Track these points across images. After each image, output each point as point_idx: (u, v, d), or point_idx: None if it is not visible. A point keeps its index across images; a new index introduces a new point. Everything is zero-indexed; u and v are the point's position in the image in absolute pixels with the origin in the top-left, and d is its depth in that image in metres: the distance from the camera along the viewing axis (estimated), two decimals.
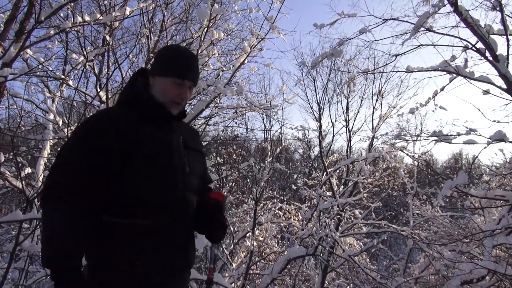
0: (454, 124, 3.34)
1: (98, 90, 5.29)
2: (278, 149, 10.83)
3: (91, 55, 5.38)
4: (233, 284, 8.95)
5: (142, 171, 1.50)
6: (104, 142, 1.46)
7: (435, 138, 3.67)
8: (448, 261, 6.29)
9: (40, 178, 5.87)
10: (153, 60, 1.76)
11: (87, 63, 4.84)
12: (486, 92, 4.20)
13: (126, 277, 1.45)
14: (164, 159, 1.55)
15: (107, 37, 4.41)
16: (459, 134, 3.45)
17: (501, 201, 3.66)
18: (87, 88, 7.93)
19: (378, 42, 4.05)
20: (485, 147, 3.19)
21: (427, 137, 3.79)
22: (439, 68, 4.24)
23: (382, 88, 9.29)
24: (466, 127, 3.36)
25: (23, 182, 4.66)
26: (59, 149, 1.74)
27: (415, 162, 9.75)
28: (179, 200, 1.57)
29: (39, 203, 1.50)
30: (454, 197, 8.96)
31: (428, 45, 3.92)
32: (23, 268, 4.00)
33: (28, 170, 6.39)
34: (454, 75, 4.18)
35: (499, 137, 3.38)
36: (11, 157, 5.95)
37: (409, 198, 9.67)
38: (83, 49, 5.20)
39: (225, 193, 10.57)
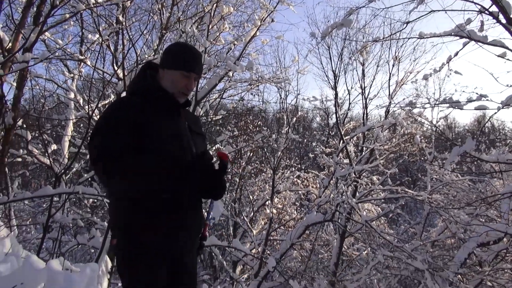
0: (463, 91, 3.34)
1: (115, 68, 5.44)
2: (294, 119, 10.88)
3: (106, 33, 5.50)
4: (253, 249, 9.32)
5: (157, 150, 1.70)
6: (124, 121, 1.69)
7: (446, 104, 3.69)
8: (464, 225, 6.35)
9: (66, 155, 6.17)
10: (162, 54, 1.93)
11: (103, 42, 4.97)
12: (502, 55, 4.15)
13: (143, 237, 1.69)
14: (175, 142, 1.76)
15: (120, 17, 4.50)
16: (470, 100, 3.46)
17: None
18: (104, 65, 8.10)
19: (389, 9, 4.00)
20: (495, 113, 3.21)
21: (438, 104, 3.81)
22: (452, 34, 4.19)
23: (398, 53, 9.10)
24: (477, 93, 3.37)
25: (51, 159, 4.93)
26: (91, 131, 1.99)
27: (432, 128, 9.66)
28: (191, 174, 1.78)
29: (93, 169, 1.70)
30: (468, 162, 8.91)
31: (439, 10, 3.85)
32: (56, 238, 4.32)
33: (54, 147, 6.70)
34: (467, 40, 4.12)
35: (511, 102, 3.38)
36: (37, 135, 6.25)
37: (427, 163, 9.66)
38: (98, 28, 5.32)
39: (243, 164, 10.79)
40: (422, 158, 12.40)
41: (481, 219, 8.38)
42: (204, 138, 2.04)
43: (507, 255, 8.00)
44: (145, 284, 1.68)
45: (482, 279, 7.61)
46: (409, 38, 4.36)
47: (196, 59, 1.88)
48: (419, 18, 3.81)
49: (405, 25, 3.92)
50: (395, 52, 9.19)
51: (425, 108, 5.15)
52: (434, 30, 4.83)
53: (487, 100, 3.51)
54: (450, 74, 5.01)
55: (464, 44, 4.35)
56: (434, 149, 9.90)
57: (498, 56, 4.13)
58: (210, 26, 3.86)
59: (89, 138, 1.86)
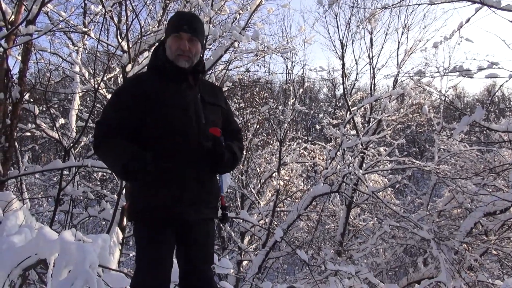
0: (474, 59, 3.26)
1: (119, 40, 5.37)
2: (301, 90, 10.78)
3: (109, 4, 5.40)
4: (261, 220, 9.47)
5: (161, 119, 1.77)
6: (126, 97, 1.81)
7: (457, 73, 3.61)
8: (472, 194, 6.36)
9: (74, 128, 6.21)
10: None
11: (106, 13, 4.89)
12: None
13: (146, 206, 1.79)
14: (179, 111, 1.80)
15: None
16: (480, 69, 3.38)
17: None
18: (108, 38, 8.01)
19: None
20: (507, 81, 3.14)
21: (447, 72, 3.73)
22: None
23: (407, 21, 8.87)
24: (488, 61, 3.29)
25: (59, 133, 4.97)
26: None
27: (441, 97, 9.52)
28: (195, 146, 1.80)
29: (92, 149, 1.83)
30: (477, 131, 8.82)
31: None
32: (68, 211, 4.41)
33: (61, 121, 6.74)
34: (480, 5, 3.99)
35: None
36: (45, 109, 6.27)
37: (435, 133, 9.59)
38: None
39: (249, 136, 10.79)
40: (430, 129, 12.32)
41: (488, 189, 8.39)
42: (222, 109, 2.03)
43: None
44: (148, 248, 1.78)
45: (487, 248, 7.70)
46: (419, 5, 4.23)
47: (184, 18, 1.89)
48: None
49: None
50: (404, 20, 8.97)
51: (435, 77, 5.06)
52: None
53: (498, 68, 3.43)
54: (461, 41, 4.89)
55: (476, 10, 4.21)
56: (442, 119, 9.82)
57: (511, 21, 4.01)
58: None
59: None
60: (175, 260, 1.92)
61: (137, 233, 1.83)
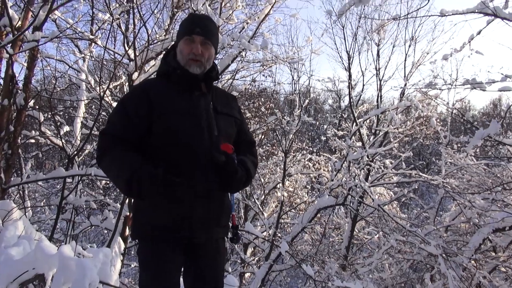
0: (489, 71, 3.18)
1: (126, 48, 5.35)
2: (307, 101, 10.72)
3: (117, 12, 5.39)
4: (264, 232, 9.33)
5: (170, 130, 1.65)
6: (132, 105, 1.69)
7: (469, 86, 3.54)
8: (480, 210, 6.22)
9: (78, 136, 6.16)
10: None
11: (114, 21, 4.87)
12: None
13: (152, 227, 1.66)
14: (189, 120, 1.67)
15: None
16: (493, 81, 3.31)
17: None
18: (115, 46, 8.01)
19: None
20: None
21: (460, 85, 3.65)
22: (476, 10, 3.99)
23: (415, 33, 8.83)
24: (502, 74, 3.21)
25: (63, 140, 4.92)
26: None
27: (449, 110, 9.44)
28: (207, 159, 1.67)
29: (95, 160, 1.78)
30: (488, 146, 8.70)
31: None
32: (70, 219, 4.34)
33: (66, 128, 6.70)
34: (492, 17, 3.93)
35: None
36: (49, 116, 6.24)
37: (442, 146, 9.48)
38: (109, 6, 5.22)
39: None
40: (436, 142, 12.19)
41: (497, 204, 8.25)
42: (237, 120, 1.88)
43: None
44: (154, 269, 1.65)
45: (496, 265, 7.52)
46: (429, 16, 4.17)
47: (198, 20, 1.78)
48: None
49: (427, 0, 3.74)
50: (412, 32, 8.93)
51: (445, 89, 4.97)
52: (452, 8, 4.61)
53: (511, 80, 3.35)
54: (471, 54, 4.82)
55: (488, 22, 4.15)
56: (449, 132, 9.71)
57: None
58: (223, 4, 3.73)
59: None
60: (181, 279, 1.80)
61: (141, 252, 1.71)
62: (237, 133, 1.87)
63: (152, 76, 5.07)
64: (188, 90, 1.73)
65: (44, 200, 9.04)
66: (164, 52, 1.94)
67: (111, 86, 6.20)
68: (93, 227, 5.47)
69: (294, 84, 9.82)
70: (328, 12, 3.69)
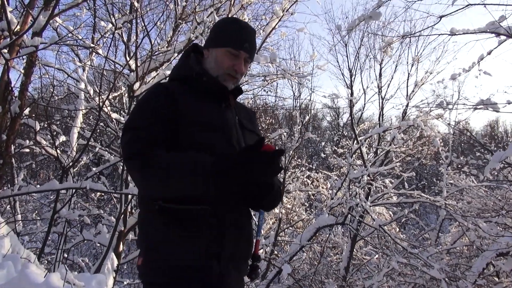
0: (505, 92, 3.07)
1: (127, 58, 5.23)
2: (307, 117, 10.63)
3: (119, 22, 5.29)
4: (261, 250, 9.10)
5: (200, 146, 1.36)
6: (161, 102, 1.41)
7: (482, 106, 3.43)
8: (486, 233, 6.06)
9: (74, 147, 5.99)
10: (208, 34, 1.63)
11: (116, 31, 4.77)
12: None
13: (177, 268, 1.31)
14: (220, 136, 1.42)
15: (135, 3, 4.29)
16: (509, 102, 3.19)
17: None
18: (116, 56, 7.92)
19: (421, 2, 3.74)
20: None
21: (474, 105, 3.54)
22: (487, 30, 3.90)
23: (418, 53, 8.80)
24: None
25: (58, 151, 4.75)
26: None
27: (452, 130, 9.36)
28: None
29: (122, 166, 1.46)
30: (494, 168, 8.56)
31: (477, 4, 3.58)
32: (62, 233, 4.14)
33: (62, 138, 6.53)
34: (504, 37, 3.84)
35: None
36: (46, 126, 6.07)
37: (443, 167, 9.37)
38: (111, 16, 5.12)
39: None
40: (435, 162, 12.09)
41: (499, 228, 8.11)
42: (256, 136, 1.62)
43: None
44: None
45: None
46: (440, 35, 4.09)
47: (248, 35, 1.52)
48: (455, 11, 3.54)
49: (439, 19, 3.65)
50: (415, 52, 8.90)
51: (456, 109, 4.86)
52: (460, 30, 4.55)
53: None
54: (479, 74, 4.73)
55: (500, 42, 4.07)
56: (451, 153, 9.61)
57: None
58: (229, 15, 3.64)
59: (121, 132, 1.59)
60: None
61: None
62: None
63: None
64: (214, 101, 1.48)
65: (36, 212, 8.79)
66: (184, 51, 1.62)
67: (110, 97, 6.07)
68: (85, 241, 5.26)
69: (296, 99, 9.73)
70: (337, 27, 3.59)
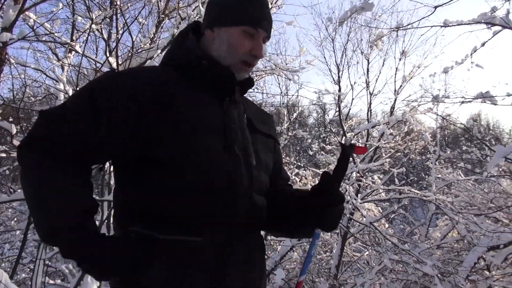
0: (507, 83, 2.95)
1: (108, 55, 4.98)
2: (295, 114, 10.49)
3: (99, 18, 5.04)
4: None
5: (186, 160, 1.03)
6: (117, 102, 1.01)
7: (480, 99, 3.32)
8: (480, 229, 6.02)
9: None
10: (207, 8, 1.22)
11: (94, 27, 4.51)
12: None
13: None
14: (220, 141, 1.08)
15: None
16: (509, 95, 3.09)
17: None
18: (96, 54, 7.62)
19: None
20: None
21: (472, 98, 3.43)
22: (482, 21, 3.79)
23: (405, 47, 8.75)
24: None
25: None
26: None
27: (438, 124, 9.36)
28: (244, 206, 1.08)
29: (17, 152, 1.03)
30: (481, 161, 8.59)
31: None
32: (40, 243, 3.88)
33: None
34: (500, 28, 3.74)
35: None
36: (23, 128, 5.77)
37: (431, 161, 9.36)
38: (90, 12, 4.86)
39: None
40: (422, 157, 12.12)
41: (488, 221, 8.13)
42: (275, 144, 1.30)
43: None
44: None
45: (490, 284, 7.32)
46: (432, 26, 3.97)
47: (263, 5, 1.16)
48: (450, 1, 3.41)
49: (434, 9, 3.52)
50: (402, 46, 8.85)
51: (456, 103, 4.78)
52: (454, 21, 4.49)
53: None
54: (472, 67, 4.64)
55: (495, 33, 3.98)
56: (439, 147, 9.61)
57: None
58: None
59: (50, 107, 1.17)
60: None
61: None
62: (273, 163, 1.28)
63: None
64: (217, 95, 1.12)
65: (15, 219, 8.45)
66: (180, 32, 1.24)
67: None
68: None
69: (283, 96, 9.58)
70: (328, 19, 3.44)
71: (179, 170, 1.02)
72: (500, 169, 8.10)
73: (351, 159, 8.89)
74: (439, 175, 9.90)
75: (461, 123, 6.76)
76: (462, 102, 4.53)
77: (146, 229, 1.01)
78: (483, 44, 4.23)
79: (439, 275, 6.49)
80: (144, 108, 1.01)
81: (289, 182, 1.40)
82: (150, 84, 1.05)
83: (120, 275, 0.98)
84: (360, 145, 1.10)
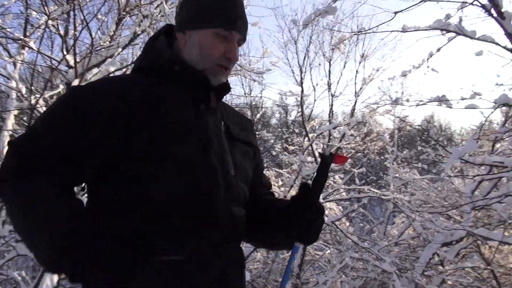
0: (461, 88, 3.10)
1: (65, 53, 4.77)
2: (258, 115, 10.54)
3: (55, 14, 4.81)
4: None
5: (162, 173, 0.98)
6: (95, 117, 0.97)
7: (437, 102, 3.47)
8: (436, 226, 6.31)
9: (5, 151, 5.40)
10: (178, 10, 1.18)
11: (51, 23, 4.31)
12: (479, 54, 4.01)
13: None
14: (198, 155, 1.03)
15: None
16: (463, 98, 3.26)
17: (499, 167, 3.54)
18: (52, 51, 7.29)
19: None
20: (492, 112, 3.02)
21: (430, 101, 3.58)
22: (438, 27, 3.97)
23: (365, 51, 9.03)
24: (473, 91, 3.17)
25: None
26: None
27: (396, 125, 9.72)
28: (223, 218, 1.04)
29: None
30: (436, 161, 9.01)
31: (431, 0, 3.62)
32: None
33: None
34: (454, 34, 3.93)
35: (505, 101, 3.20)
36: None
37: (389, 162, 9.70)
38: (45, 6, 4.64)
39: None
40: (380, 157, 12.55)
41: (441, 218, 8.52)
42: (254, 151, 1.25)
43: (468, 252, 8.20)
44: None
45: (444, 278, 7.69)
46: (392, 31, 4.11)
47: (238, 6, 1.12)
48: (409, 7, 3.55)
49: (394, 15, 3.64)
50: (362, 49, 9.11)
51: (411, 106, 4.97)
52: (411, 27, 4.69)
53: (480, 98, 3.31)
54: (428, 71, 4.84)
55: (450, 39, 4.17)
56: (396, 148, 9.98)
57: (476, 54, 3.98)
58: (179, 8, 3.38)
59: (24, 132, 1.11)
60: None
61: None
62: (253, 170, 1.24)
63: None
64: (189, 101, 1.07)
65: None
66: (152, 35, 1.20)
67: (46, 96, 5.53)
68: (19, 256, 4.75)
69: (246, 97, 9.59)
70: (292, 21, 3.48)
71: (154, 185, 0.97)
72: (456, 170, 8.53)
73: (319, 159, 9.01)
74: (397, 175, 10.28)
75: (418, 125, 7.04)
76: (418, 105, 4.71)
77: (124, 246, 0.94)
78: (438, 50, 4.42)
79: (397, 271, 6.75)
80: (133, 108, 0.98)
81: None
82: (139, 84, 1.04)
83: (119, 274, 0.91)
84: (340, 153, 1.06)
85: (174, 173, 0.98)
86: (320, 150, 9.80)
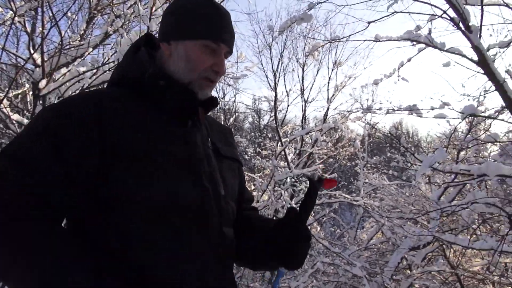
0: (431, 98, 3.19)
1: (32, 51, 4.58)
2: (231, 119, 10.51)
3: (22, 10, 4.62)
4: None
5: (150, 189, 0.90)
6: (77, 140, 0.87)
7: (407, 111, 3.56)
8: (404, 231, 6.44)
9: None
10: (163, 19, 1.11)
11: (17, 19, 4.13)
12: (446, 65, 4.14)
13: None
14: (188, 175, 0.97)
15: None
16: (433, 108, 3.35)
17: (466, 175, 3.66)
18: (17, 49, 7.01)
19: (351, 6, 3.79)
20: (461, 122, 3.12)
21: (399, 109, 3.67)
22: (409, 38, 4.08)
23: (338, 58, 9.18)
24: (441, 101, 3.26)
25: None
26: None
27: (366, 132, 9.92)
28: (215, 240, 1.00)
29: None
30: (407, 168, 9.25)
31: (403, 12, 3.72)
32: None
33: None
34: (424, 45, 4.05)
35: (472, 111, 3.31)
36: None
37: (360, 167, 9.90)
38: (11, 2, 4.43)
39: None
40: (350, 163, 12.79)
41: (409, 223, 8.72)
42: (239, 167, 1.21)
43: (434, 256, 8.41)
44: None
45: (411, 282, 7.88)
46: (365, 40, 4.18)
47: (225, 18, 1.07)
48: (382, 18, 3.62)
49: (367, 24, 3.71)
50: (335, 57, 9.27)
51: (382, 113, 5.07)
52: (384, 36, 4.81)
53: (449, 108, 3.41)
54: (398, 80, 4.97)
55: (420, 50, 4.29)
56: (367, 154, 10.19)
57: (443, 65, 4.12)
58: (154, 9, 3.31)
59: None
60: None
61: None
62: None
63: (63, 88, 4.38)
64: (176, 118, 1.01)
65: None
66: (132, 45, 1.11)
67: (10, 95, 5.29)
68: None
69: (219, 100, 9.53)
70: (268, 27, 3.48)
71: (140, 209, 0.90)
72: (425, 177, 8.77)
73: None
74: (367, 180, 10.48)
75: (389, 132, 7.20)
76: (388, 113, 4.81)
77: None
78: (409, 60, 4.54)
79: (367, 275, 6.84)
80: (111, 130, 0.90)
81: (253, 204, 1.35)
82: (119, 100, 0.95)
83: None
84: (328, 177, 1.07)
85: (169, 195, 0.92)
86: (292, 155, 9.87)
